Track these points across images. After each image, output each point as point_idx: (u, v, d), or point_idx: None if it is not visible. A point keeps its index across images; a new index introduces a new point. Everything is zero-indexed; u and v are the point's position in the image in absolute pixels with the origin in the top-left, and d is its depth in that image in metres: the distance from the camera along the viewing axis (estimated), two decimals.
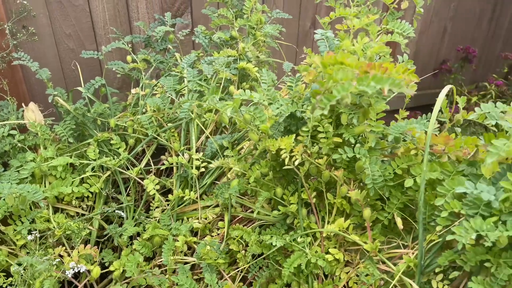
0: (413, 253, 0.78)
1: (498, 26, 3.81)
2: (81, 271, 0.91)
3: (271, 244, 0.90)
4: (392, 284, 0.74)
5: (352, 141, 0.79)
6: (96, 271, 0.98)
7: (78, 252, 1.00)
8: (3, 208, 0.96)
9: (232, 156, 0.97)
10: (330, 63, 0.64)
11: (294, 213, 0.91)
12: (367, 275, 0.78)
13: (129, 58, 1.27)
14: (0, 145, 1.08)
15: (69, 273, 0.88)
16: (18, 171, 1.06)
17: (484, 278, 0.64)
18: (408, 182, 0.77)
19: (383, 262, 0.79)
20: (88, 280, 1.03)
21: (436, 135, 0.77)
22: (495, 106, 0.68)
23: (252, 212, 1.02)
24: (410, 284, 0.74)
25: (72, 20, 1.49)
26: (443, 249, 0.72)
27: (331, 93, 0.55)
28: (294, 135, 0.81)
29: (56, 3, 1.44)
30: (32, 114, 1.15)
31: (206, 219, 1.08)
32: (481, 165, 0.68)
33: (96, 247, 1.06)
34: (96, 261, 1.04)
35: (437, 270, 0.74)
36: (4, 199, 0.94)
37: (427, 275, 0.75)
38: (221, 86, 1.14)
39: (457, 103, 0.83)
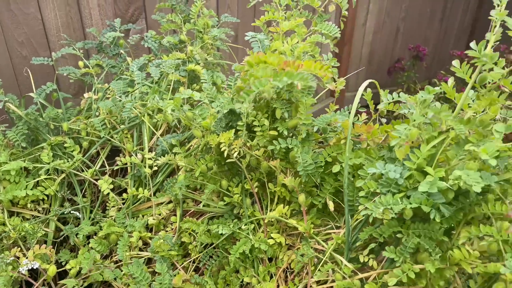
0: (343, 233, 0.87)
1: (449, 25, 4.03)
2: (34, 267, 0.95)
3: (220, 233, 0.97)
4: (323, 261, 0.82)
5: (286, 133, 0.87)
6: (52, 269, 1.02)
7: (34, 252, 1.03)
8: None
9: (180, 153, 1.03)
10: (256, 62, 0.72)
11: (239, 203, 0.98)
12: (302, 254, 0.85)
13: (80, 63, 1.31)
14: None
15: (23, 270, 0.91)
16: None
17: (396, 247, 0.73)
18: (335, 168, 0.85)
19: (318, 242, 0.87)
20: (45, 280, 1.07)
21: (359, 124, 0.86)
22: (398, 96, 0.77)
23: (204, 206, 1.09)
24: (340, 260, 0.82)
25: (24, 28, 1.51)
26: (367, 226, 0.81)
27: (247, 93, 0.62)
28: (234, 130, 0.88)
29: (7, 12, 1.46)
30: None
31: (160, 215, 1.14)
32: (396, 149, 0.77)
33: (52, 247, 1.10)
34: (52, 261, 1.07)
35: (363, 245, 0.82)
36: None
37: (355, 251, 0.84)
38: (171, 88, 1.20)
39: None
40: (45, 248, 1.05)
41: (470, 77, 0.69)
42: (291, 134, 0.91)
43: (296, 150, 0.86)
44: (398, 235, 0.73)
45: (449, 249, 0.72)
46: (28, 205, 1.16)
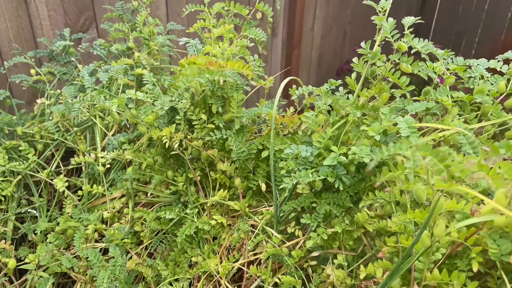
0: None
1: None
2: None
3: (168, 220, 1.09)
4: (255, 233, 0.96)
5: (221, 125, 1.00)
6: (12, 262, 1.10)
7: None
8: None
9: (129, 148, 1.14)
10: (187, 63, 0.85)
11: (184, 191, 1.10)
12: (238, 229, 0.98)
13: (32, 71, 1.39)
14: None
15: None
16: None
17: (311, 214, 0.87)
18: (264, 154, 0.99)
19: (253, 219, 1.01)
20: (6, 274, 1.15)
21: (282, 116, 1.01)
22: (307, 89, 0.92)
23: (154, 197, 1.20)
24: (271, 232, 0.96)
25: None
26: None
27: (175, 87, 0.75)
28: (175, 124, 1.01)
29: None
30: None
31: (114, 208, 1.24)
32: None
33: (11, 243, 1.17)
34: (11, 256, 1.15)
35: (289, 218, 0.96)
36: None
37: (284, 224, 0.98)
38: (120, 91, 1.31)
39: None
40: (5, 244, 1.12)
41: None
42: (228, 127, 1.05)
43: (231, 139, 0.99)
44: (313, 205, 0.88)
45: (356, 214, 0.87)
46: None
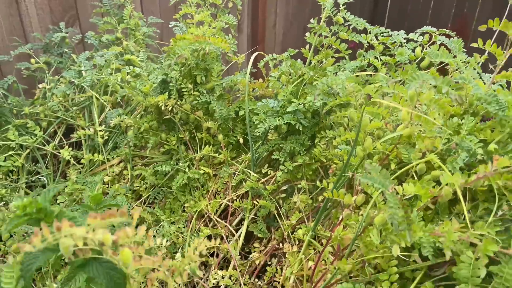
0: None
1: None
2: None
3: (164, 174, 1.33)
4: (236, 174, 1.22)
5: (205, 92, 1.26)
6: None
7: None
8: None
9: (127, 117, 1.38)
10: (179, 39, 1.10)
11: (176, 149, 1.35)
12: (222, 176, 1.24)
13: (33, 60, 1.59)
14: None
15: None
16: None
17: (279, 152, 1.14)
18: (241, 113, 1.25)
19: (233, 165, 1.27)
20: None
21: (259, 83, 1.28)
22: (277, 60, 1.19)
23: (149, 159, 1.44)
24: (249, 172, 1.22)
25: None
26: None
27: (174, 53, 1.00)
28: (167, 93, 1.25)
29: None
30: None
31: (114, 172, 1.46)
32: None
33: None
34: None
35: (263, 162, 1.23)
36: None
37: (258, 167, 1.25)
38: (113, 74, 1.53)
39: None
40: None
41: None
42: (210, 94, 1.30)
43: (214, 103, 1.25)
44: (281, 145, 1.15)
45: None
46: (0, 176, 1.42)
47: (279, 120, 1.09)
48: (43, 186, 1.51)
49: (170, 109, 1.23)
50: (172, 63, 1.02)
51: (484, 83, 1.00)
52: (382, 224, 0.77)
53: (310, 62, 1.15)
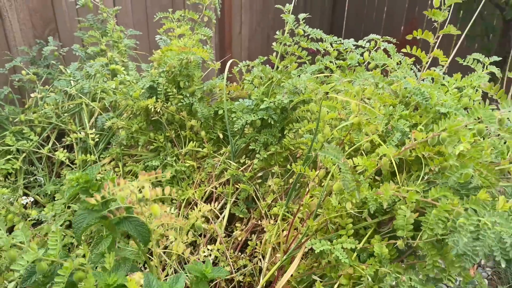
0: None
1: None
2: (29, 201, 1.40)
3: (153, 168, 1.52)
4: (219, 165, 1.43)
5: (188, 95, 1.47)
6: (34, 212, 1.47)
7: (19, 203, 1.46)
8: None
9: (118, 120, 1.56)
10: (166, 50, 1.30)
11: (163, 146, 1.54)
12: (205, 167, 1.45)
13: (24, 72, 1.74)
14: None
15: (25, 202, 1.36)
16: None
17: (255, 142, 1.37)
18: (220, 112, 1.47)
19: (215, 157, 1.48)
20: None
21: (233, 86, 1.50)
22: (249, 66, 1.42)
23: (138, 157, 1.62)
24: (229, 162, 1.44)
25: None
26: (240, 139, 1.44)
27: (162, 63, 1.21)
28: (154, 97, 1.45)
29: None
30: None
31: (105, 170, 1.64)
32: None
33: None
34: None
35: (241, 153, 1.45)
36: None
37: (237, 158, 1.46)
38: (100, 82, 1.71)
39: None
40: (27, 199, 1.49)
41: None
42: (192, 97, 1.51)
43: (196, 104, 1.46)
44: (256, 137, 1.37)
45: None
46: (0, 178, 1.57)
47: (254, 116, 1.31)
48: (40, 186, 1.66)
49: (157, 110, 1.43)
50: (164, 70, 1.22)
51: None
52: (339, 190, 1.00)
53: (278, 67, 1.38)
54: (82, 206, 0.77)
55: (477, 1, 3.64)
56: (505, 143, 1.01)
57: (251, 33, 4.08)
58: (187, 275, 1.02)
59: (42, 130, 1.70)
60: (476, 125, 0.86)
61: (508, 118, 1.04)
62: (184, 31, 1.47)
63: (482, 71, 1.16)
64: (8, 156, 1.58)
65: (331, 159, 0.94)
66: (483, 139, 1.00)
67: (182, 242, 1.13)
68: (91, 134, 1.66)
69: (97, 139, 1.67)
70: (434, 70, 1.18)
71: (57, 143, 1.71)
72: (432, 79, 1.18)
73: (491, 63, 1.15)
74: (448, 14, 1.13)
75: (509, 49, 3.69)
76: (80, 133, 1.68)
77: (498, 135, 0.95)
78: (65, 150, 1.65)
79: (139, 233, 0.77)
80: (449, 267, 0.95)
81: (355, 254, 1.03)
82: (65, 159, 1.62)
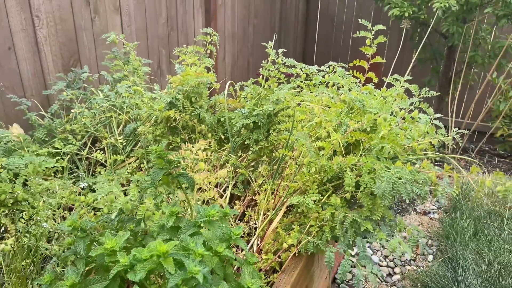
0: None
1: (286, 54, 5.70)
2: (85, 186, 1.91)
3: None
4: (222, 158, 1.99)
5: (198, 107, 2.03)
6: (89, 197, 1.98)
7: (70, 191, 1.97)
8: (24, 173, 1.88)
9: (145, 127, 2.10)
10: (185, 74, 1.88)
11: (179, 146, 2.09)
12: (211, 161, 2.01)
13: (65, 93, 2.28)
14: (3, 146, 1.98)
15: (83, 185, 1.88)
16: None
17: (249, 139, 1.94)
18: (222, 119, 2.04)
19: (219, 152, 2.04)
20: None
21: (230, 100, 2.08)
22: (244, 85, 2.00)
23: None
24: (230, 155, 2.00)
25: (7, 77, 2.40)
26: (238, 137, 2.01)
27: (183, 84, 1.78)
28: (174, 109, 2.01)
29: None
30: (16, 130, 2.07)
31: (132, 167, 2.17)
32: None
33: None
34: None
35: (239, 148, 2.02)
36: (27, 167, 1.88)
37: (236, 152, 2.02)
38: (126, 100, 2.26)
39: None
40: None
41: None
42: (201, 109, 2.08)
43: (204, 114, 2.02)
44: (250, 135, 1.95)
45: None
46: (51, 174, 2.08)
47: (248, 120, 1.89)
48: (79, 180, 2.17)
49: (175, 119, 1.99)
50: (184, 89, 1.79)
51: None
52: (307, 162, 1.58)
53: (263, 86, 1.97)
54: (155, 166, 1.31)
55: (425, 31, 4.39)
56: (411, 130, 1.62)
57: (233, 60, 4.70)
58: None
59: (81, 137, 2.22)
60: (384, 116, 1.46)
61: (419, 117, 1.66)
62: (194, 61, 2.05)
63: (401, 86, 1.78)
64: (57, 157, 2.10)
65: (302, 142, 1.52)
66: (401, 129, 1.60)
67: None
68: (119, 139, 2.20)
69: (125, 143, 2.21)
70: (370, 86, 1.79)
71: (92, 147, 2.23)
72: (368, 91, 1.79)
73: (405, 81, 1.77)
74: (401, 43, 1.75)
75: (453, 70, 4.43)
76: (111, 138, 2.21)
77: (401, 124, 1.56)
78: (101, 152, 2.17)
79: (189, 182, 1.32)
80: (377, 208, 1.53)
81: (319, 205, 1.60)
82: (101, 159, 2.14)
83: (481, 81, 4.76)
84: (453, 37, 4.03)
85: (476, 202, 3.31)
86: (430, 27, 3.82)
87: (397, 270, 2.78)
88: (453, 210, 3.27)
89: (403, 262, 2.85)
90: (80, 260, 1.24)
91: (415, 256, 2.92)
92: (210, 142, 2.07)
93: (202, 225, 1.28)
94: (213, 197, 1.93)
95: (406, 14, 3.86)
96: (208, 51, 2.19)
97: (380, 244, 2.99)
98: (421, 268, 2.79)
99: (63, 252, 1.64)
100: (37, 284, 1.41)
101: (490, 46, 4.24)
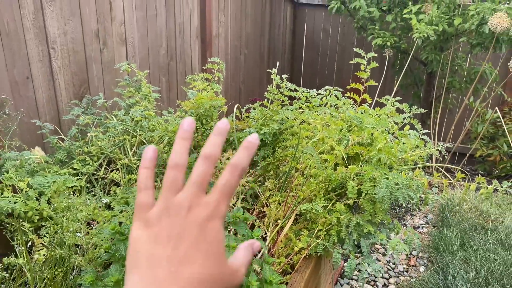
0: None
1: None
2: (107, 202, 2.07)
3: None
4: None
5: (208, 128, 2.24)
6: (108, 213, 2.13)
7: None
8: (49, 191, 2.04)
9: (159, 147, 2.29)
10: (199, 98, 2.09)
11: (192, 164, 2.28)
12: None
13: (81, 118, 2.46)
14: (27, 167, 2.14)
15: (105, 201, 2.04)
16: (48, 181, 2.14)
17: (257, 155, 2.15)
18: (230, 139, 2.25)
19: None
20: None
21: (237, 121, 2.29)
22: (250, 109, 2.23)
23: None
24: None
25: (24, 104, 2.58)
26: None
27: (197, 108, 1.99)
28: None
29: (18, 96, 2.53)
30: (38, 152, 2.24)
31: None
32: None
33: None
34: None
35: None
36: (50, 185, 2.04)
37: None
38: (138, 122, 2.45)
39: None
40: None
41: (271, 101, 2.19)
42: (211, 130, 2.28)
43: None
44: (257, 152, 2.15)
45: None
46: (70, 192, 2.23)
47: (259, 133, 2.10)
48: (97, 198, 2.32)
49: None
50: (198, 111, 2.00)
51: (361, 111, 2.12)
52: (314, 174, 1.79)
53: (269, 108, 2.20)
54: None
55: (405, 59, 4.74)
56: (404, 143, 1.86)
57: (226, 87, 4.96)
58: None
59: (97, 158, 2.39)
60: (381, 130, 1.69)
61: (409, 133, 1.90)
62: (204, 87, 2.27)
63: (392, 106, 2.03)
64: (76, 177, 2.26)
65: (310, 154, 1.74)
66: (397, 142, 1.84)
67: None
68: (133, 159, 2.38)
69: (138, 163, 2.38)
70: (366, 105, 2.03)
71: (108, 168, 2.40)
72: (364, 111, 2.04)
73: (396, 101, 2.02)
74: (384, 69, 2.01)
75: (433, 95, 4.77)
76: (125, 159, 2.38)
77: (395, 137, 1.80)
78: (117, 172, 2.34)
79: None
80: (377, 212, 1.74)
81: (326, 211, 1.81)
82: (117, 178, 2.31)
83: (459, 105, 5.12)
84: (432, 64, 4.38)
85: (461, 216, 3.55)
86: (411, 55, 4.16)
87: (391, 280, 2.97)
88: (440, 223, 3.51)
89: (396, 273, 3.05)
90: (121, 259, 1.40)
91: (407, 267, 3.12)
92: (220, 160, 2.27)
93: (228, 226, 1.46)
94: None
95: (388, 44, 4.20)
96: (216, 78, 2.42)
97: (377, 258, 3.19)
98: (414, 278, 2.99)
99: (90, 262, 1.79)
100: (78, 284, 1.56)
101: (466, 72, 4.60)
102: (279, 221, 1.94)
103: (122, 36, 3.22)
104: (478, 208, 3.68)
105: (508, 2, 3.75)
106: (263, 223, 2.08)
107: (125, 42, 3.26)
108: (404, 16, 4.03)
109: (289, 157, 2.08)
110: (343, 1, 4.57)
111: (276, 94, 2.18)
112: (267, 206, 2.11)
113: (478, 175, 4.92)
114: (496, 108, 4.44)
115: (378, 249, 3.31)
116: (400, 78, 4.52)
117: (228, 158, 1.75)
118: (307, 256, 1.78)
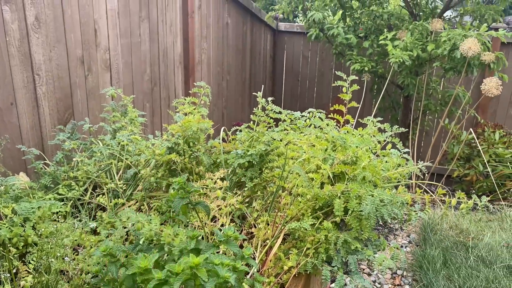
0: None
1: (255, 106, 6.09)
2: (94, 226, 2.05)
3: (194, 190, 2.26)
4: (222, 192, 2.21)
5: (196, 151, 2.27)
6: (95, 238, 2.11)
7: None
8: (33, 217, 2.01)
9: (147, 171, 2.30)
10: (186, 122, 2.13)
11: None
12: (211, 202, 2.22)
13: (66, 143, 2.45)
14: (12, 193, 2.11)
15: (92, 225, 2.02)
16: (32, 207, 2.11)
17: (244, 176, 2.18)
18: (217, 160, 2.28)
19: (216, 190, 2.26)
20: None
21: (223, 143, 2.33)
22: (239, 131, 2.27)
23: (157, 198, 2.35)
24: (227, 192, 2.22)
25: (8, 130, 2.56)
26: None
27: (185, 130, 2.03)
28: (175, 153, 2.23)
29: (2, 122, 2.51)
30: (23, 178, 2.22)
31: (133, 209, 2.33)
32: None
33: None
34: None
35: (235, 186, 2.24)
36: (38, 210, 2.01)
37: (231, 190, 2.25)
38: (125, 147, 2.46)
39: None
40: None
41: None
42: (198, 152, 2.31)
43: (202, 157, 2.26)
44: (245, 173, 2.19)
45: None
46: (55, 218, 2.20)
47: (243, 160, 2.14)
48: (83, 224, 2.30)
49: (175, 162, 2.21)
50: (185, 135, 2.03)
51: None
52: (302, 192, 1.83)
53: (255, 130, 2.25)
54: (177, 197, 1.51)
55: (383, 83, 4.90)
56: (386, 162, 1.92)
57: (210, 113, 5.01)
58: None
59: (83, 183, 2.38)
60: (364, 149, 1.75)
61: (391, 152, 1.96)
62: (190, 111, 2.31)
63: (374, 126, 2.11)
64: (62, 203, 2.24)
65: (297, 173, 1.78)
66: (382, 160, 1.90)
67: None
68: (119, 184, 2.37)
69: (125, 187, 2.38)
70: (348, 126, 2.10)
71: (94, 192, 2.39)
72: (347, 131, 2.10)
73: (377, 121, 2.10)
74: (363, 91, 2.09)
75: (411, 117, 4.92)
76: (111, 183, 2.38)
77: (378, 156, 1.86)
78: (103, 196, 2.33)
79: (205, 209, 1.52)
80: (364, 229, 1.78)
81: (314, 229, 1.84)
82: (103, 203, 2.30)
83: (435, 127, 5.29)
84: (408, 88, 4.54)
85: (442, 234, 3.62)
86: (388, 79, 4.31)
87: None
88: (423, 242, 3.57)
89: None
90: (111, 282, 1.40)
91: (393, 287, 3.15)
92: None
93: (219, 245, 1.48)
94: (211, 232, 2.12)
95: (366, 69, 4.35)
96: (202, 102, 2.47)
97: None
98: None
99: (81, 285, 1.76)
100: None
101: (440, 95, 4.78)
102: (267, 241, 1.96)
103: (107, 63, 3.26)
104: (458, 226, 3.77)
105: (477, 29, 3.96)
106: (251, 244, 2.09)
107: (109, 68, 3.29)
108: (380, 42, 4.20)
109: (276, 177, 2.12)
110: (321, 29, 4.73)
111: (262, 116, 2.23)
112: (255, 227, 2.13)
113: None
114: (471, 129, 4.61)
115: (364, 269, 3.34)
116: (378, 101, 4.66)
117: (218, 178, 1.78)
118: (296, 275, 1.80)
